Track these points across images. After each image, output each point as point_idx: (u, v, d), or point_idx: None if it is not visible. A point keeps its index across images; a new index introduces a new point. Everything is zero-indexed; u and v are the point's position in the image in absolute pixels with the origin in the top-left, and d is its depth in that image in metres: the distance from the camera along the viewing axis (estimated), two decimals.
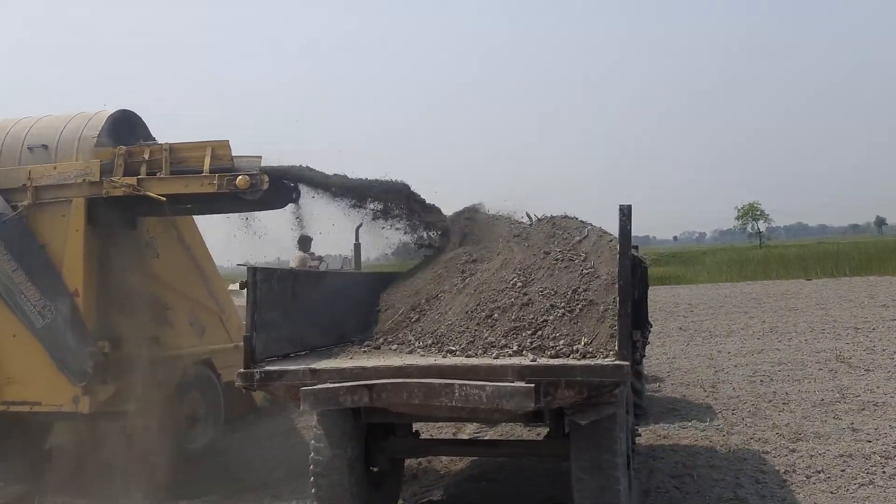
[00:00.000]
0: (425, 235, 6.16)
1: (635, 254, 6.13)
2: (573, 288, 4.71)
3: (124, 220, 6.27)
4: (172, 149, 6.08)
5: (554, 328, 4.48)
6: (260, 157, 6.39)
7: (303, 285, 5.10)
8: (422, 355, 4.68)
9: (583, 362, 3.96)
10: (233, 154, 6.35)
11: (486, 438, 6.81)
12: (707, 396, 9.04)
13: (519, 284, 4.97)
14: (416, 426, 5.89)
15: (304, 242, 11.56)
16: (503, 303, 4.85)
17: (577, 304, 4.58)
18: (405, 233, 6.20)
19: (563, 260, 5.01)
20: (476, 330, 4.74)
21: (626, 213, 3.97)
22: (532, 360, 4.08)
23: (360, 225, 6.55)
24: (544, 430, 5.74)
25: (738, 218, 77.93)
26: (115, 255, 6.19)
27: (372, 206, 6.12)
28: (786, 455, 6.35)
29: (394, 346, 4.99)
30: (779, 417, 7.66)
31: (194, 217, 7.45)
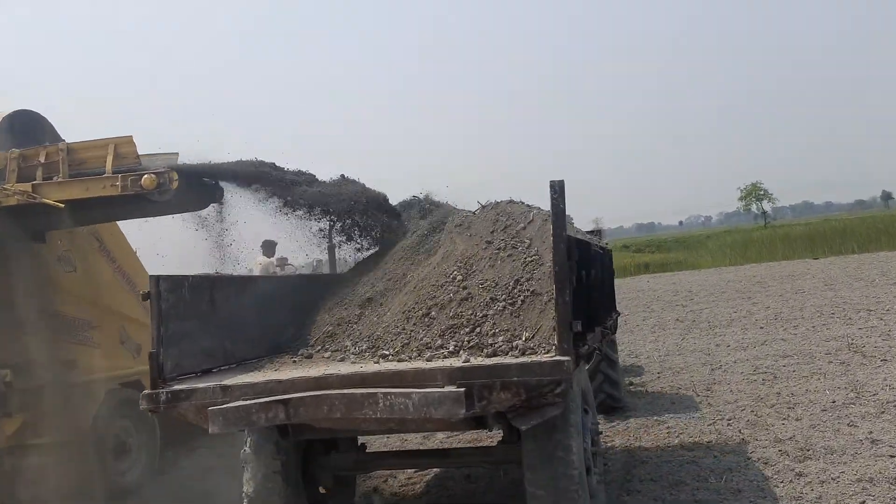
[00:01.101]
0: (359, 231, 6.02)
1: (588, 238, 6.04)
2: (515, 278, 4.59)
3: (26, 232, 6.05)
4: (70, 149, 5.88)
5: (494, 324, 4.35)
6: (177, 153, 6.22)
7: (226, 292, 4.95)
8: (353, 362, 4.55)
9: (518, 360, 3.81)
10: (151, 152, 6.19)
11: (437, 448, 6.65)
12: (701, 401, 8.41)
13: (459, 278, 4.84)
14: (363, 438, 5.76)
15: (268, 247, 11.41)
16: (442, 299, 4.73)
17: (520, 296, 4.45)
18: (340, 228, 6.05)
19: (505, 248, 4.88)
20: (412, 330, 4.61)
21: (557, 190, 3.83)
22: (465, 361, 3.93)
23: (333, 224, 6.42)
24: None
25: (741, 199, 78.11)
26: (18, 272, 5.97)
27: (302, 202, 5.96)
28: (791, 481, 5.48)
29: (327, 354, 4.87)
30: (782, 428, 6.86)
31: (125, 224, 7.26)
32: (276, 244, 11.61)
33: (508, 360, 3.88)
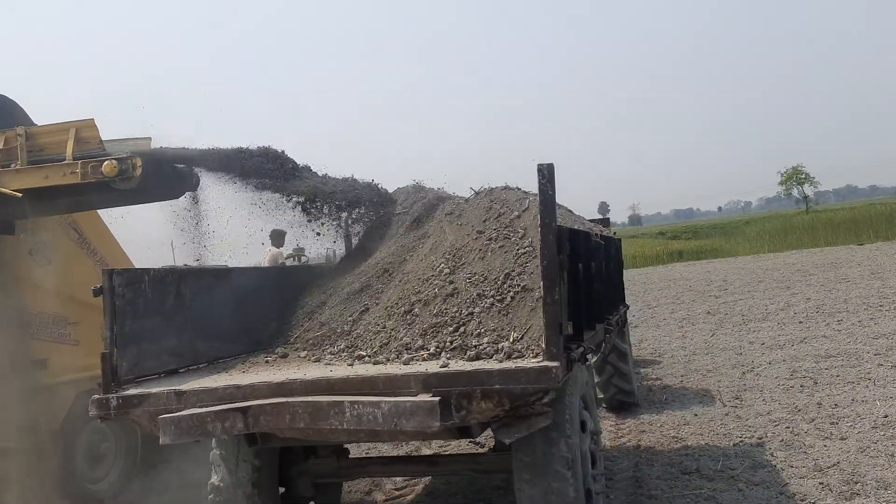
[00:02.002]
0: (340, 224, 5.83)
1: (589, 227, 5.78)
2: (506, 272, 4.33)
3: None
4: (29, 134, 5.71)
5: (479, 322, 4.12)
6: (149, 138, 6.03)
7: (197, 286, 4.78)
8: (327, 363, 4.35)
9: (501, 366, 3.56)
10: (121, 137, 6.01)
11: (423, 454, 6.42)
12: (727, 414, 7.50)
13: (446, 271, 4.61)
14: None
15: (277, 237, 11.24)
16: (426, 294, 4.50)
17: (509, 292, 4.20)
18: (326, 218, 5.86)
19: (497, 239, 4.63)
20: (393, 329, 4.40)
21: (546, 175, 3.56)
22: (443, 366, 3.69)
23: (349, 212, 6.21)
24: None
25: (781, 183, 76.72)
26: None
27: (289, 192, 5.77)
28: None
29: (303, 354, 4.69)
30: (824, 451, 5.96)
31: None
32: (285, 234, 11.45)
33: (490, 365, 3.63)
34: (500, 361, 3.70)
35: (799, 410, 7.29)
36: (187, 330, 4.64)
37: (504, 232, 4.69)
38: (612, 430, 7.36)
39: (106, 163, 5.34)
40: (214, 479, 4.59)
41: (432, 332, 4.20)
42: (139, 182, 5.57)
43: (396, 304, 4.55)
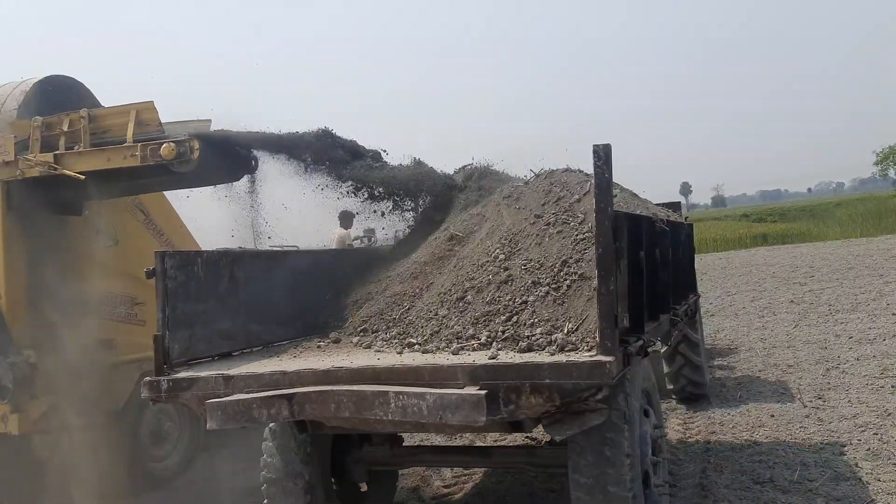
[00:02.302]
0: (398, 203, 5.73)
1: (655, 211, 5.53)
2: (563, 259, 4.16)
3: (54, 204, 6.06)
4: (93, 116, 5.81)
5: (533, 311, 3.96)
6: (209, 120, 6.07)
7: (250, 269, 4.79)
8: (377, 350, 4.28)
9: (552, 359, 3.41)
10: (181, 119, 6.07)
11: (477, 445, 6.29)
12: (807, 416, 6.95)
13: (501, 257, 4.46)
14: None
15: (346, 219, 11.32)
16: (480, 281, 4.37)
17: (566, 280, 4.03)
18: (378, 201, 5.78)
19: (555, 224, 4.44)
20: (444, 316, 4.28)
21: (602, 157, 3.37)
22: (491, 357, 3.56)
23: (409, 199, 6.16)
24: None
25: (876, 163, 72.99)
26: (50, 246, 5.99)
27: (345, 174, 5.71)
28: None
29: (356, 339, 4.61)
30: None
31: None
32: (353, 215, 11.50)
33: (541, 358, 3.48)
34: (552, 354, 3.54)
35: (889, 415, 6.69)
36: (241, 313, 4.65)
37: (563, 216, 4.51)
38: (679, 428, 7.06)
39: (164, 145, 5.39)
40: (266, 466, 4.61)
41: (484, 320, 4.07)
42: (197, 165, 5.61)
43: (450, 290, 4.43)
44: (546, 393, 3.32)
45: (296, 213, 6.30)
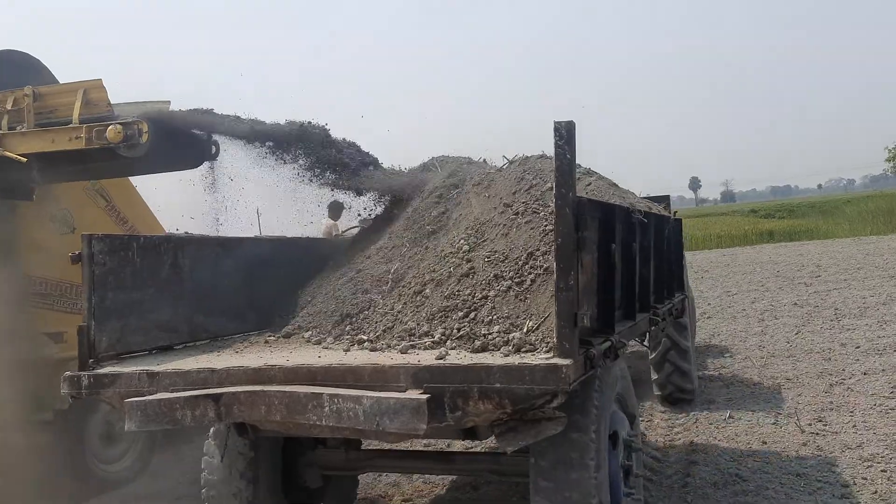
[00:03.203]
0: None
1: (642, 203, 5.23)
2: (529, 251, 3.87)
3: (2, 187, 5.73)
4: (38, 94, 5.45)
5: (493, 307, 3.67)
6: (168, 101, 5.76)
7: (196, 256, 4.51)
8: (325, 347, 3.99)
9: (503, 361, 3.11)
10: (137, 101, 5.77)
11: (439, 450, 5.96)
12: (805, 444, 6.16)
13: (465, 248, 4.19)
14: None
15: (335, 209, 11.04)
16: (441, 273, 4.10)
17: (530, 274, 3.74)
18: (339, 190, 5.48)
19: (524, 213, 4.16)
20: (400, 311, 4.01)
21: (564, 135, 3.07)
22: (439, 358, 3.26)
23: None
24: None
25: (888, 160, 72.29)
26: None
27: (299, 160, 5.40)
28: None
29: (307, 334, 4.31)
30: None
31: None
32: (343, 206, 11.22)
33: (493, 359, 3.18)
34: (506, 355, 3.24)
35: None
36: (185, 303, 4.38)
37: (533, 206, 4.22)
38: (658, 444, 6.55)
39: (111, 128, 5.05)
40: (206, 467, 4.33)
41: (441, 316, 3.78)
42: (149, 149, 5.30)
43: (409, 283, 4.15)
44: (496, 399, 3.03)
45: (291, 204, 6.03)
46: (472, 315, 3.68)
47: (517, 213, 4.18)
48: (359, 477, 5.38)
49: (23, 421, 5.48)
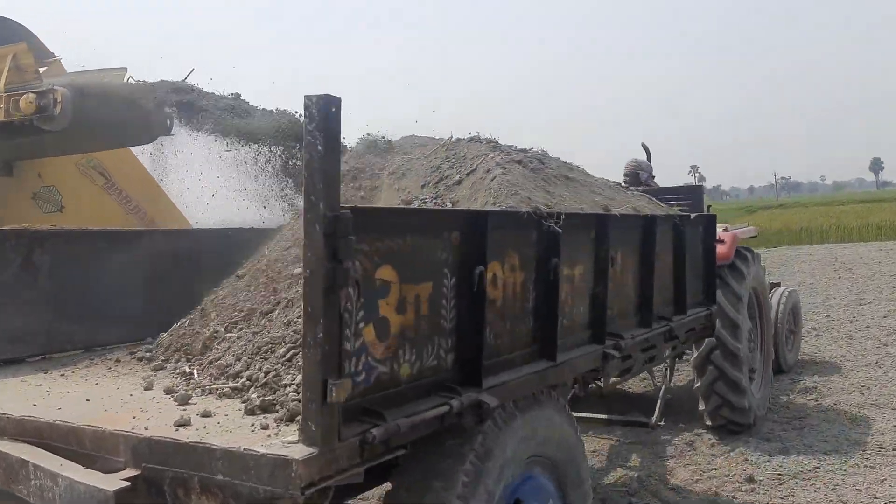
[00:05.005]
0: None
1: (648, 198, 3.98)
2: None
3: None
4: None
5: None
6: (124, 69, 5.16)
7: (61, 253, 3.83)
8: (145, 378, 3.13)
9: (226, 445, 2.12)
10: (98, 68, 5.22)
11: None
12: None
13: None
14: None
15: None
16: (294, 293, 3.13)
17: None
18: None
19: None
20: (234, 339, 3.13)
21: (316, 116, 2.01)
22: (179, 424, 2.35)
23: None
24: None
25: None
26: None
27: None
28: None
29: (171, 363, 3.39)
30: None
31: None
32: None
33: (222, 438, 2.20)
34: (264, 429, 2.27)
35: None
36: (43, 308, 3.71)
37: (431, 204, 3.18)
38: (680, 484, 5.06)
39: (23, 97, 4.51)
40: None
41: (267, 350, 2.85)
42: (92, 121, 4.71)
43: (257, 303, 3.24)
44: (219, 496, 2.09)
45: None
46: (297, 353, 2.71)
47: None
48: None
49: None
